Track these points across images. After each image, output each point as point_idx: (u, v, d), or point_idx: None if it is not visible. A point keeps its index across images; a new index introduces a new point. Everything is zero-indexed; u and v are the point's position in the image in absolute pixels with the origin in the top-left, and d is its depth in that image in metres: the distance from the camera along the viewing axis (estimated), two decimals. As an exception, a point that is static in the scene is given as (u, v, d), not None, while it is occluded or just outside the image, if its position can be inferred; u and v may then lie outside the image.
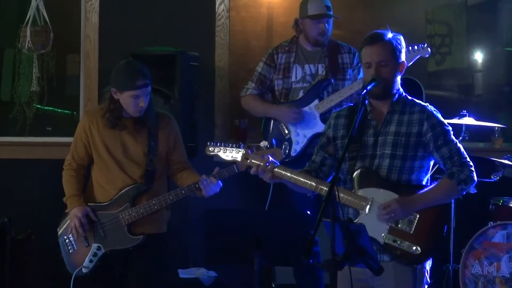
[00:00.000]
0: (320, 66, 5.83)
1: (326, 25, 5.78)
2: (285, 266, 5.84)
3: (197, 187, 4.72)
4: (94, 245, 4.77)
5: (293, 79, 5.83)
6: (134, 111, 4.70)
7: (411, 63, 5.40)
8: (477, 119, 5.96)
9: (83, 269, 4.76)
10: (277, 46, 5.95)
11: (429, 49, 5.46)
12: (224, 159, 4.38)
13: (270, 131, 5.82)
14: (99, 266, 4.77)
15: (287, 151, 5.70)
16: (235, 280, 5.62)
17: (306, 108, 5.72)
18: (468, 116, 5.92)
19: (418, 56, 5.44)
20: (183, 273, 6.02)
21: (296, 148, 5.73)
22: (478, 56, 7.43)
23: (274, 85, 5.88)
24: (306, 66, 5.83)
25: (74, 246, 4.81)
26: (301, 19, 5.84)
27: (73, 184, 4.84)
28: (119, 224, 4.75)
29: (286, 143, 5.73)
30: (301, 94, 5.79)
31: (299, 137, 5.74)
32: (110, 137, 4.78)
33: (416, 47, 5.43)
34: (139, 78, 4.64)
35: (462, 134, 5.83)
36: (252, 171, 4.18)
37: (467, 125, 5.90)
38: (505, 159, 5.78)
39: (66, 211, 4.84)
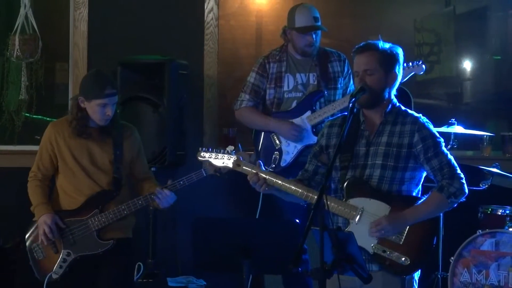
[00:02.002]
0: (311, 75, 5.81)
1: (314, 36, 5.73)
2: (274, 275, 5.82)
3: (152, 198, 4.80)
4: (64, 251, 4.82)
5: (285, 88, 5.79)
6: (101, 119, 4.81)
7: (405, 79, 5.42)
8: (465, 128, 5.96)
9: (53, 275, 4.81)
10: (267, 55, 5.90)
11: (423, 66, 5.48)
12: (215, 165, 4.42)
13: (261, 140, 5.81)
14: (69, 271, 4.82)
15: (277, 161, 5.70)
16: (224, 288, 5.61)
17: (298, 119, 5.71)
18: (457, 125, 5.92)
19: (413, 73, 5.46)
20: (172, 282, 6.01)
21: (286, 158, 5.71)
22: (467, 65, 7.46)
23: (265, 94, 5.85)
24: (298, 75, 5.81)
25: (43, 253, 4.87)
26: (289, 30, 5.82)
27: (39, 193, 4.92)
28: (88, 230, 4.82)
29: (276, 153, 5.72)
30: (294, 104, 5.77)
31: (290, 148, 5.72)
32: (76, 145, 4.87)
33: (411, 64, 5.45)
34: (107, 87, 4.77)
35: (451, 143, 5.83)
36: (250, 181, 4.18)
37: (455, 134, 5.90)
38: (493, 167, 5.78)
39: (34, 219, 4.90)
